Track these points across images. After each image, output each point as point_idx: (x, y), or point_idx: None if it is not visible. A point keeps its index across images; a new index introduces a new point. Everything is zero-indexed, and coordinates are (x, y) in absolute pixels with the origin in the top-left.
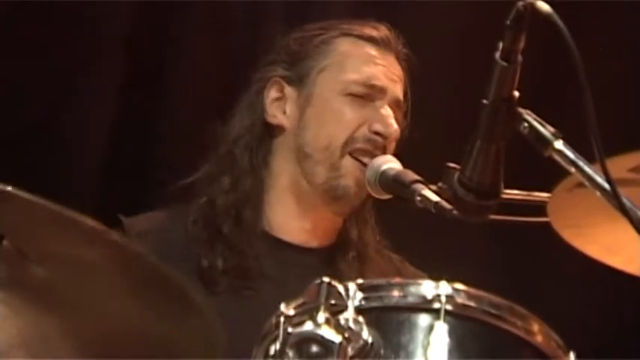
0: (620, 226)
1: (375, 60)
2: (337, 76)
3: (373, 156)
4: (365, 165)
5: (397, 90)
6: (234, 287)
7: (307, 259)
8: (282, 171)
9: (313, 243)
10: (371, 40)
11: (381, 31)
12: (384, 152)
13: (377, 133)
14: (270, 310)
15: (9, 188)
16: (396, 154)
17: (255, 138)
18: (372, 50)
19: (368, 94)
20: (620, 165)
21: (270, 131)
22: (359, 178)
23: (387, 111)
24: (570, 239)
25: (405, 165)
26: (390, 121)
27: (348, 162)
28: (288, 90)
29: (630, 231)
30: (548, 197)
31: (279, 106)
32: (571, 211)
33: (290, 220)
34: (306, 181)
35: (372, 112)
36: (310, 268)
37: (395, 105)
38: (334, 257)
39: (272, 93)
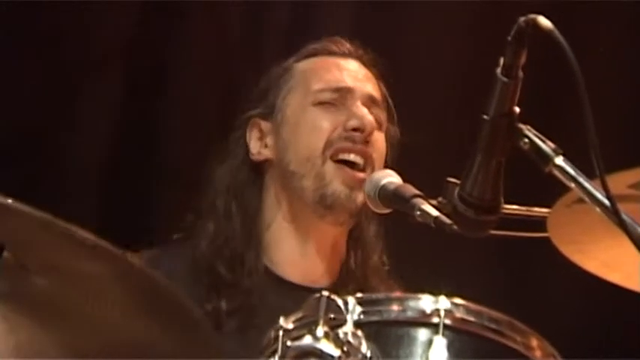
0: (620, 242)
1: (337, 66)
2: (304, 91)
3: (354, 152)
4: (348, 164)
5: (367, 88)
6: (241, 327)
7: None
8: (278, 201)
9: (316, 282)
10: (330, 53)
11: (340, 44)
12: (367, 145)
13: (353, 130)
14: None
15: (9, 201)
16: (394, 168)
17: (240, 183)
18: (332, 60)
19: (337, 99)
20: (620, 181)
21: (259, 170)
22: (346, 179)
23: (359, 108)
24: (570, 255)
25: (404, 179)
26: (362, 114)
27: (330, 167)
28: (265, 125)
29: (629, 247)
30: (548, 213)
31: (261, 143)
32: (570, 227)
33: (292, 256)
34: (298, 200)
35: (344, 113)
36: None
37: (369, 101)
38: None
39: (253, 134)
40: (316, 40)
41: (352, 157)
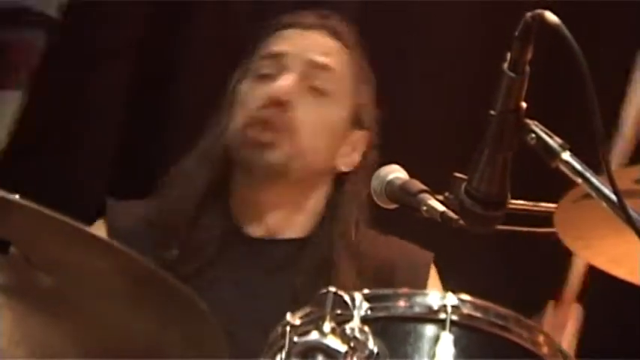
0: (626, 238)
1: (286, 37)
2: (253, 70)
3: (269, 127)
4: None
5: (313, 54)
6: (193, 276)
7: (273, 252)
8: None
9: (280, 235)
10: (290, 25)
11: (304, 16)
12: (284, 116)
13: (265, 107)
14: (229, 305)
15: (16, 197)
16: (400, 163)
17: (214, 152)
18: (286, 32)
19: (273, 67)
20: (626, 176)
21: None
22: (250, 143)
23: (282, 79)
24: (577, 250)
25: (411, 174)
26: (276, 83)
27: (250, 132)
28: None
29: (635, 242)
30: (555, 208)
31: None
32: (577, 223)
33: (251, 212)
34: (239, 171)
35: (271, 84)
36: (276, 261)
37: (313, 68)
38: (303, 250)
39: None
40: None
41: (265, 136)
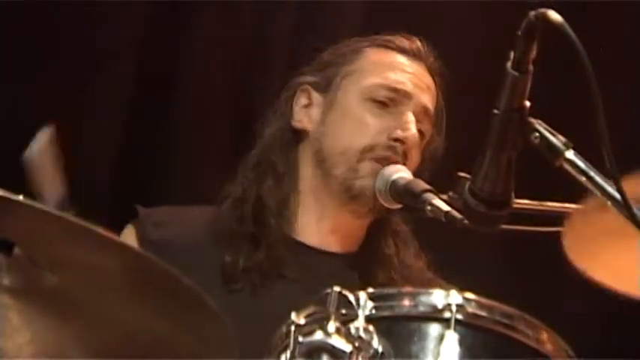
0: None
1: (403, 67)
2: (361, 81)
3: (392, 163)
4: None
5: (424, 98)
6: (253, 286)
7: (329, 262)
8: (306, 175)
9: (335, 248)
10: (401, 50)
11: (413, 42)
12: (405, 159)
13: (396, 140)
14: (285, 310)
15: (20, 197)
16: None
17: (282, 145)
18: (401, 59)
19: (391, 99)
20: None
21: (297, 137)
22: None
23: (409, 117)
24: (578, 263)
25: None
26: (409, 126)
27: (366, 165)
28: (315, 96)
29: (635, 257)
30: (561, 207)
31: (306, 112)
32: (580, 236)
33: (312, 223)
34: (324, 182)
35: (393, 118)
36: (330, 272)
37: (422, 113)
38: (359, 263)
39: (301, 100)
40: (391, 32)
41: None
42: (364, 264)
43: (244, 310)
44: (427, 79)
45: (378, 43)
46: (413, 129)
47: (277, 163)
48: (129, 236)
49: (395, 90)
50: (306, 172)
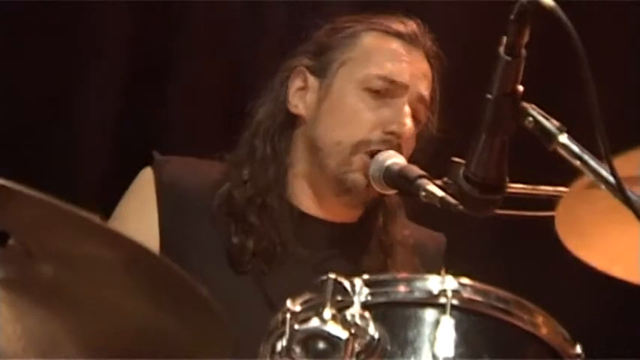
0: (625, 236)
1: (400, 56)
2: (358, 70)
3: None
4: None
5: (421, 87)
6: (260, 269)
7: (332, 232)
8: (300, 159)
9: (337, 219)
10: (398, 35)
11: (408, 26)
12: (399, 151)
13: (391, 133)
14: (291, 287)
15: (14, 187)
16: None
17: (276, 127)
18: (398, 46)
19: (388, 90)
20: (631, 161)
21: (292, 121)
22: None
23: (403, 109)
24: (573, 248)
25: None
26: (404, 120)
27: (360, 159)
28: (311, 80)
29: (634, 241)
30: (555, 191)
31: (301, 96)
32: (575, 219)
33: (310, 200)
34: (319, 171)
35: (389, 109)
36: (333, 241)
37: (418, 101)
38: (358, 233)
39: (296, 83)
40: (388, 13)
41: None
42: (360, 234)
43: (250, 291)
44: (424, 66)
45: (374, 27)
46: (408, 122)
47: (272, 145)
48: (146, 177)
49: (392, 82)
50: (300, 156)
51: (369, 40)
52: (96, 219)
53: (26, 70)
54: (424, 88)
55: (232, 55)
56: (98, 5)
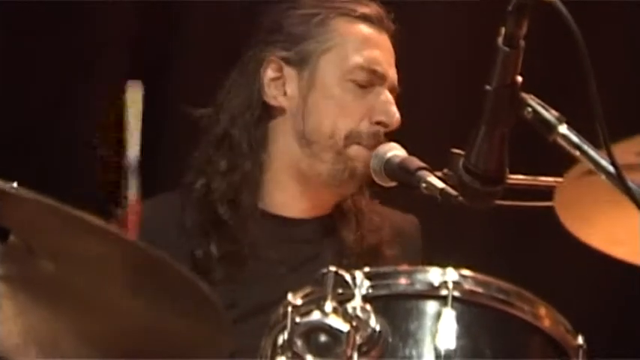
0: (626, 218)
1: (373, 41)
2: (340, 60)
3: (370, 147)
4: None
5: (394, 74)
6: (230, 275)
7: (304, 230)
8: (282, 153)
9: (310, 215)
10: (365, 18)
11: (372, 8)
12: (386, 141)
13: (379, 123)
14: (264, 295)
15: (14, 185)
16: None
17: (253, 119)
18: (368, 30)
19: (369, 80)
20: (628, 149)
21: (269, 112)
22: (366, 161)
23: (387, 97)
24: (575, 231)
25: (409, 152)
26: (392, 110)
27: (353, 150)
28: (287, 70)
29: (635, 223)
30: (555, 182)
31: (277, 86)
32: (576, 202)
33: (288, 198)
34: (310, 164)
35: (373, 100)
36: (308, 239)
37: (393, 89)
38: (333, 225)
39: (269, 73)
40: None
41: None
42: (336, 224)
43: (224, 300)
44: (391, 50)
45: (341, 12)
46: (396, 112)
47: (244, 139)
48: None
49: (373, 72)
50: (282, 149)
51: (341, 26)
52: (95, 218)
53: (26, 70)
54: (395, 77)
55: (232, 55)
56: (98, 5)
